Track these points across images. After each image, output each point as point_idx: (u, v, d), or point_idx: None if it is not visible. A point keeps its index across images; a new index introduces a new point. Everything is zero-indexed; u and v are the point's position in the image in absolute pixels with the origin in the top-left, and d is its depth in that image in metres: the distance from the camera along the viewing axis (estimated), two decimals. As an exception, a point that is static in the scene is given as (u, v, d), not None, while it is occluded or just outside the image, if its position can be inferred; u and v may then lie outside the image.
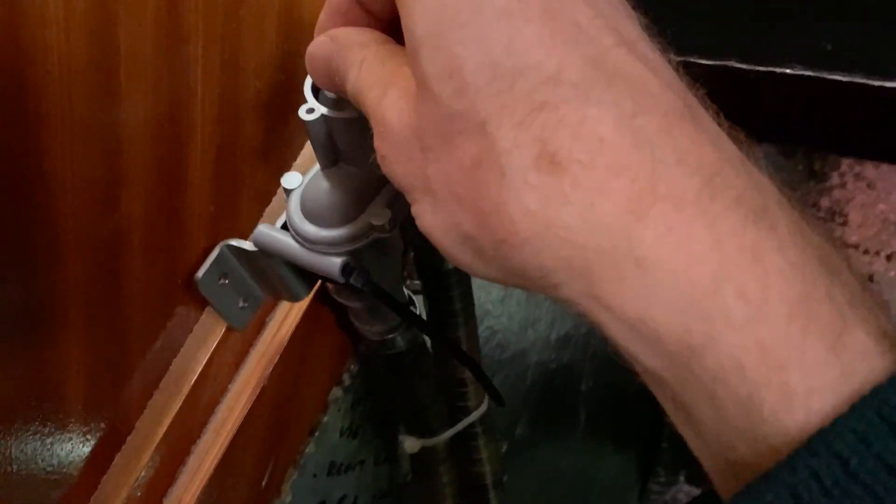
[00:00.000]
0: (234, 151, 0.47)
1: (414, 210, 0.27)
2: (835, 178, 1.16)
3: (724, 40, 0.38)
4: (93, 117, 0.39)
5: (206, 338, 0.47)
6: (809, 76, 0.35)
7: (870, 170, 1.13)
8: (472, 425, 0.60)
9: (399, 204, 0.39)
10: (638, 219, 0.22)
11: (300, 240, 0.39)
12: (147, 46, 0.40)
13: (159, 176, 0.43)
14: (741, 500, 0.21)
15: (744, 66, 0.37)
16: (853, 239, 1.17)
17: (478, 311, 0.64)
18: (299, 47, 0.48)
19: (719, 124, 0.25)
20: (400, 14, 0.26)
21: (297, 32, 0.48)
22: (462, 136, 0.24)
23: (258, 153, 0.48)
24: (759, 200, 0.22)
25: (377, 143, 0.28)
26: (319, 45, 0.32)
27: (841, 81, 0.34)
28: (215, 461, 0.47)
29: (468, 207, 0.24)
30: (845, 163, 1.15)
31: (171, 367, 0.46)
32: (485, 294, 0.73)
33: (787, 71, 0.35)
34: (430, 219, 0.26)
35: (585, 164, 0.22)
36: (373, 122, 0.28)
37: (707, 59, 0.38)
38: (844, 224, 1.17)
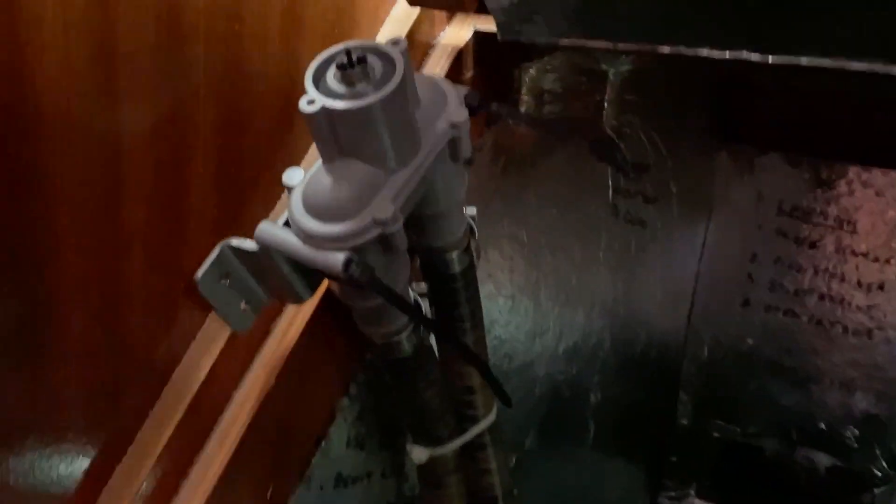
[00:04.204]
0: (238, 154, 0.46)
1: None
2: (842, 186, 1.15)
3: (735, 31, 0.37)
4: (91, 119, 0.38)
5: (209, 345, 0.46)
6: (826, 67, 0.34)
7: (878, 177, 1.12)
8: (480, 435, 0.58)
9: (404, 197, 0.38)
10: None
11: (302, 236, 0.38)
12: (147, 47, 0.39)
13: (160, 180, 0.42)
14: None
15: (756, 57, 0.36)
16: (862, 247, 1.16)
17: (485, 321, 0.63)
18: (303, 48, 0.47)
19: None
20: None
21: (300, 33, 0.48)
22: None
23: (263, 155, 0.47)
24: None
25: None
26: None
27: (861, 72, 0.33)
28: (218, 473, 0.45)
29: None
30: (852, 170, 1.14)
31: (173, 376, 0.45)
32: (491, 303, 0.72)
33: (804, 61, 0.34)
34: None
35: None
36: None
37: (719, 50, 0.37)
38: (853, 232, 1.16)
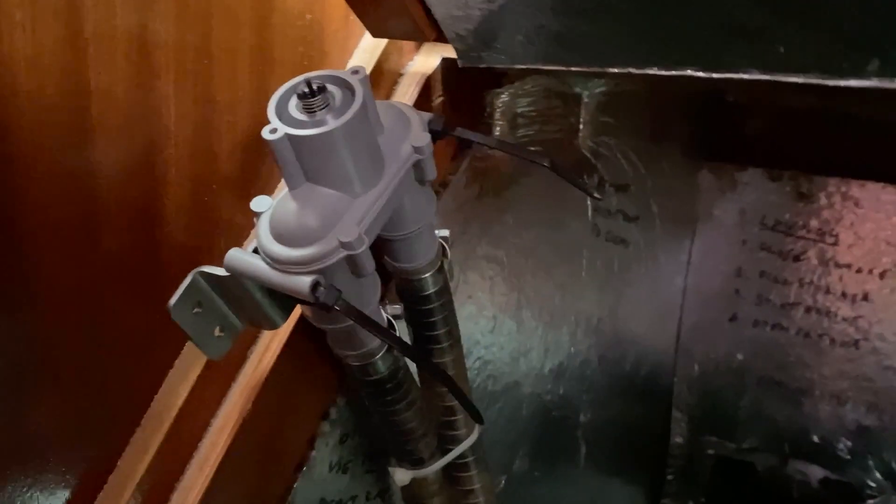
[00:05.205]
0: (211, 185, 0.47)
1: None
2: (822, 199, 1.17)
3: (679, 52, 0.38)
4: (65, 157, 0.39)
5: (186, 372, 0.47)
6: (767, 80, 0.36)
7: (855, 189, 1.14)
8: (463, 455, 0.59)
9: (370, 220, 0.40)
10: None
11: (270, 261, 0.39)
12: (118, 84, 0.41)
13: (135, 213, 0.43)
14: None
15: (701, 74, 0.37)
16: (845, 259, 1.17)
17: (467, 343, 0.64)
18: (273, 81, 0.49)
19: None
20: None
21: (270, 66, 0.49)
22: None
23: (235, 186, 0.48)
24: None
25: None
26: None
27: (797, 83, 0.34)
28: (198, 500, 0.46)
29: None
30: (832, 183, 1.15)
31: (152, 404, 0.46)
32: (473, 325, 0.73)
33: (744, 76, 0.36)
34: None
35: None
36: None
37: (666, 70, 0.38)
38: (835, 244, 1.17)
